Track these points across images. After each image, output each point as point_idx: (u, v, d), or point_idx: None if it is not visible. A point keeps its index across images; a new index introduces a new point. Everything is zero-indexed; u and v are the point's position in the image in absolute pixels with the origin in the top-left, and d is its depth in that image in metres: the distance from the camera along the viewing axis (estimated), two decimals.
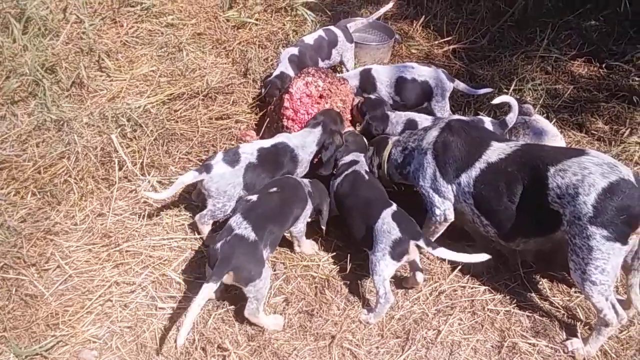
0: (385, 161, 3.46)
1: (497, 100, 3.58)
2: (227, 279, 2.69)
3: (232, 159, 3.23)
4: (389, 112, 3.87)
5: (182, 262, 3.20)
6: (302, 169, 3.47)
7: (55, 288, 3.02)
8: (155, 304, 2.98)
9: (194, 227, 3.36)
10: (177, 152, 3.82)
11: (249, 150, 3.30)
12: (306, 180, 3.30)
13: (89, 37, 4.66)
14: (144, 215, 3.40)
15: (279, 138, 3.46)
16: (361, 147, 3.55)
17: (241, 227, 2.79)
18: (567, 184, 2.65)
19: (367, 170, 3.37)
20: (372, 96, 4.00)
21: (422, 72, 4.11)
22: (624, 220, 2.54)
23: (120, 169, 3.62)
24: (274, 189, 3.07)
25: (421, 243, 2.85)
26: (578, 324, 2.97)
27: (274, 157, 3.34)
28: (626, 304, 2.92)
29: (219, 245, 2.73)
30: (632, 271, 2.74)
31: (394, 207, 3.00)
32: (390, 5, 4.91)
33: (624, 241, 2.57)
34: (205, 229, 3.29)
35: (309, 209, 3.19)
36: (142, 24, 5.03)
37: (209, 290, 2.60)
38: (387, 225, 2.89)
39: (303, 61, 4.26)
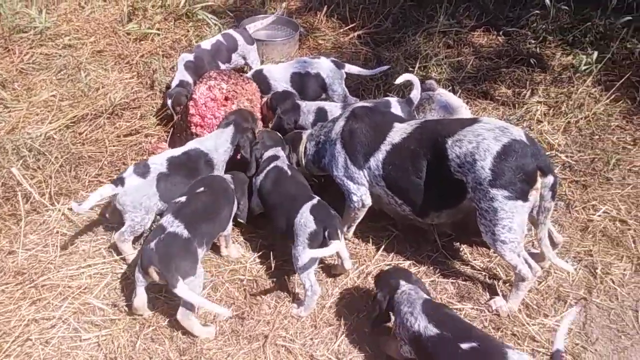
0: (302, 157, 3.48)
1: (399, 80, 3.65)
2: (156, 276, 2.69)
3: (142, 170, 3.16)
4: (299, 102, 3.88)
5: (104, 287, 3.09)
6: (219, 171, 3.42)
7: None
8: (79, 335, 2.86)
9: (112, 249, 3.26)
10: (87, 175, 3.69)
11: (158, 161, 3.24)
12: (228, 176, 3.28)
13: None
14: (57, 246, 3.27)
15: (191, 144, 3.40)
16: (277, 142, 3.51)
17: (173, 225, 2.79)
18: (464, 152, 2.74)
19: (289, 164, 3.36)
20: (280, 90, 4.00)
21: (314, 65, 4.16)
22: (521, 179, 2.65)
23: (26, 202, 3.46)
24: (201, 188, 3.04)
25: (337, 225, 2.87)
26: (499, 283, 3.08)
27: (188, 164, 3.28)
28: (540, 257, 3.05)
29: (153, 244, 2.71)
30: (539, 225, 2.85)
31: (315, 200, 3.00)
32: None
33: (524, 198, 2.69)
34: (126, 247, 3.19)
35: (235, 206, 3.18)
36: (37, 48, 4.84)
37: (184, 286, 2.63)
38: (305, 219, 2.89)
39: (200, 66, 4.22)
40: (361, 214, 3.27)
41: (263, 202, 3.26)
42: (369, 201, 3.20)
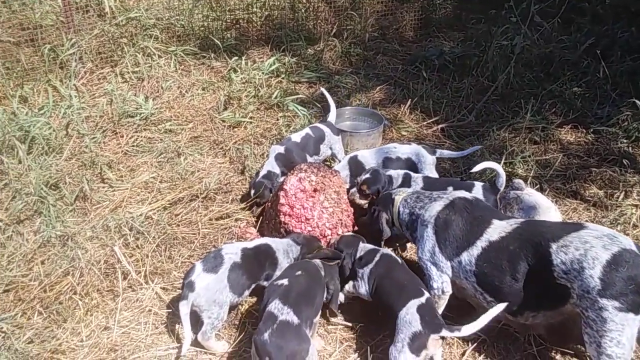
0: (396, 218, 3.52)
1: (477, 167, 3.77)
2: None
3: (213, 264, 3.19)
4: (389, 173, 4.07)
5: None
6: (279, 271, 3.44)
7: None
8: None
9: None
10: (180, 256, 3.87)
11: (233, 250, 3.31)
12: (319, 261, 3.35)
13: (91, 150, 4.86)
14: (149, 325, 3.40)
15: (264, 240, 3.53)
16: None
17: (283, 312, 2.83)
18: (571, 259, 2.69)
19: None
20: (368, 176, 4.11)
21: (404, 150, 4.37)
22: (633, 290, 2.56)
23: (124, 279, 3.66)
24: (299, 271, 3.14)
25: (444, 333, 2.82)
26: None
27: (257, 258, 3.37)
28: None
29: (266, 335, 2.73)
30: None
31: (423, 298, 2.97)
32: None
33: (636, 311, 2.58)
34: (212, 343, 3.21)
35: (325, 292, 3.24)
36: (141, 132, 5.26)
37: None
38: (410, 316, 2.88)
39: (289, 158, 4.43)
40: (442, 303, 3.20)
41: (376, 288, 3.25)
42: (449, 289, 3.16)
